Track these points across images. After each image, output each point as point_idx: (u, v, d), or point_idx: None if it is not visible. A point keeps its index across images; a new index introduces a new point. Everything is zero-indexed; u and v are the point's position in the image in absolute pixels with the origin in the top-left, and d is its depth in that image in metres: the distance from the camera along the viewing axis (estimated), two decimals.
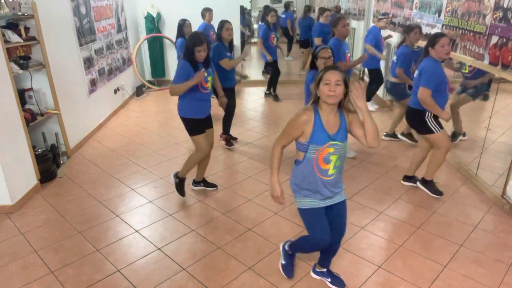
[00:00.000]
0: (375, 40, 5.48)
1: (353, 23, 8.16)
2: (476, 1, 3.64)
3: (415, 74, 3.40)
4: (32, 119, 3.77)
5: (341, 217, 2.29)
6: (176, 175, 3.59)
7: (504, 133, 4.70)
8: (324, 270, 2.53)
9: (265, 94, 6.94)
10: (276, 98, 6.74)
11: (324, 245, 2.24)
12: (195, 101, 3.31)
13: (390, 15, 5.94)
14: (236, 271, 2.64)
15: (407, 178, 3.78)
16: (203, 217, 3.27)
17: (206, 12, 6.20)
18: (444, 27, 4.30)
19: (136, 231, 3.12)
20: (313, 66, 3.48)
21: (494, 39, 3.38)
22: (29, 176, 3.67)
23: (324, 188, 2.16)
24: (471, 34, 3.73)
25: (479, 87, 4.29)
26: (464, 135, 4.65)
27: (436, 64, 3.24)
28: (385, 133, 4.85)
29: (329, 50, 3.38)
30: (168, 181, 3.88)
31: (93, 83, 5.22)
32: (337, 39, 4.22)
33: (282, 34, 9.81)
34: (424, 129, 3.38)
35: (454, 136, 4.63)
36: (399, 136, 4.83)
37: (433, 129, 3.32)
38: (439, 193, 3.56)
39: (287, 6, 10.65)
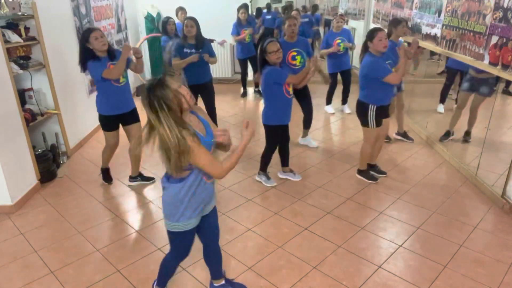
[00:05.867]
0: (325, 44, 5.50)
1: (353, 23, 8.16)
2: (476, 1, 3.64)
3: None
4: (32, 119, 3.77)
5: (215, 218, 2.20)
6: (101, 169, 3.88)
7: (504, 133, 4.71)
8: (223, 281, 2.43)
9: (254, 91, 7.13)
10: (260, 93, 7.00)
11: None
12: (112, 96, 3.42)
13: (338, 13, 5.96)
14: (236, 271, 2.64)
15: (370, 166, 3.97)
16: None
17: (179, 11, 6.21)
18: (444, 27, 4.30)
19: (136, 231, 3.12)
20: (264, 62, 3.42)
21: (494, 39, 3.38)
22: (29, 176, 3.67)
23: (211, 193, 2.06)
24: (471, 34, 3.73)
25: (490, 82, 4.25)
26: (453, 134, 4.69)
27: (373, 58, 3.43)
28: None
29: (277, 43, 3.34)
30: None
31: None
32: (283, 39, 4.20)
33: (264, 34, 9.51)
34: (364, 121, 3.66)
35: (447, 134, 4.68)
36: (394, 135, 4.87)
37: (369, 124, 3.62)
38: (374, 178, 3.85)
39: (269, 6, 10.62)
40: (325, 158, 4.42)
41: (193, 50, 4.32)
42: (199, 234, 2.20)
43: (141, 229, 3.13)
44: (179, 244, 2.13)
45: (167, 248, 2.86)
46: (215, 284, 2.42)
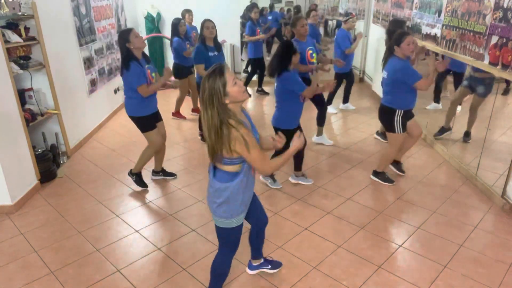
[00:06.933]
0: (347, 43, 5.41)
1: None
2: (476, 1, 3.64)
3: (384, 74, 3.56)
4: (32, 119, 3.77)
5: (259, 204, 2.34)
6: (131, 173, 3.78)
7: (504, 133, 4.71)
8: (262, 260, 2.61)
9: (257, 91, 7.18)
10: (263, 92, 7.14)
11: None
12: (145, 98, 3.44)
13: (354, 14, 5.96)
14: (236, 271, 2.64)
15: (396, 162, 4.00)
16: (203, 217, 3.27)
17: (186, 14, 6.20)
18: (444, 27, 4.30)
19: (136, 231, 3.12)
20: (283, 66, 3.32)
21: (494, 39, 3.38)
22: (29, 176, 3.67)
23: (254, 184, 2.14)
24: (471, 34, 3.73)
25: (487, 83, 4.25)
26: (450, 129, 4.72)
27: (404, 61, 3.41)
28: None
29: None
30: (168, 181, 3.88)
31: (93, 83, 5.22)
32: (297, 39, 4.20)
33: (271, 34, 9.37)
34: (390, 127, 3.59)
35: (443, 131, 4.73)
36: (374, 135, 4.96)
37: (396, 129, 3.55)
38: (390, 181, 3.82)
39: (271, 6, 10.66)
40: (325, 158, 4.42)
41: (216, 53, 4.34)
42: (247, 218, 2.22)
43: (141, 229, 3.14)
44: (232, 238, 2.16)
45: (167, 248, 2.87)
46: (254, 264, 2.60)
